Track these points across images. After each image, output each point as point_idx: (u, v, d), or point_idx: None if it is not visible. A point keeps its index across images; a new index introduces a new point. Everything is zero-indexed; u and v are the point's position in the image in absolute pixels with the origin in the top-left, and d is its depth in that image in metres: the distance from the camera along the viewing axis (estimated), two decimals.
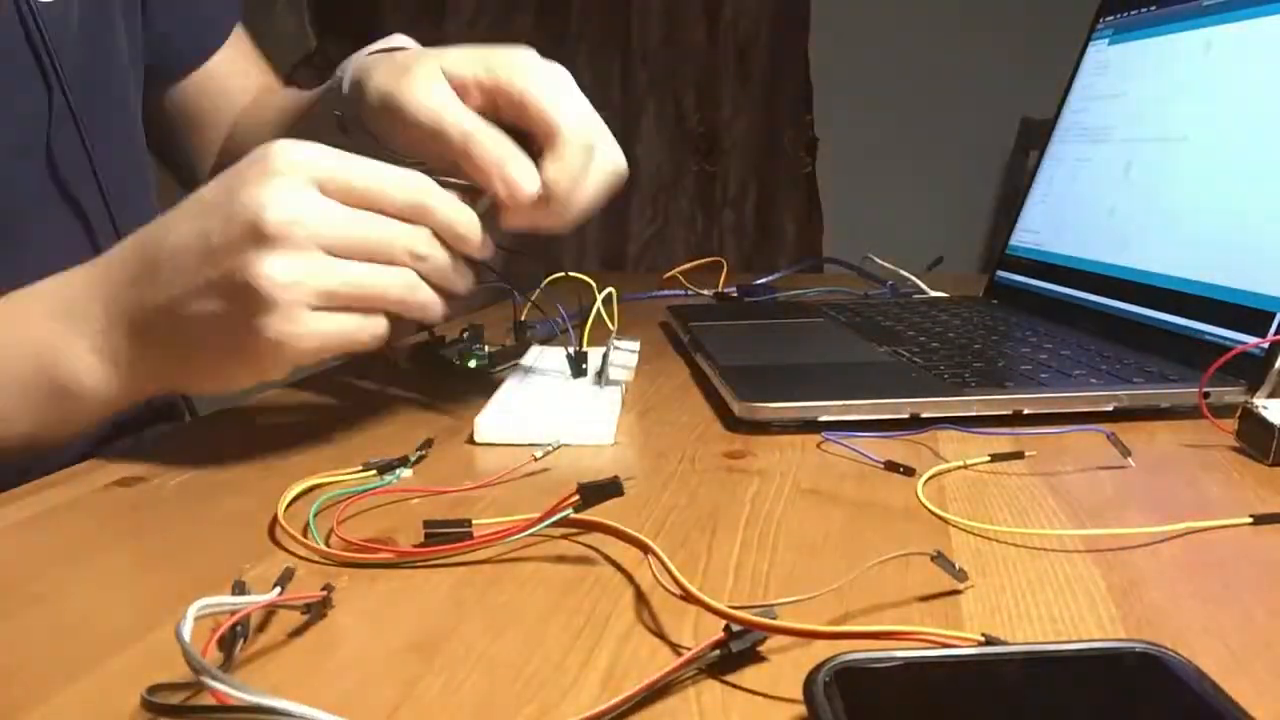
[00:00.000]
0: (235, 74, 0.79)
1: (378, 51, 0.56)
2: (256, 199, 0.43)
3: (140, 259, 0.47)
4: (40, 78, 0.59)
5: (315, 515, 0.40)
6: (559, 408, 0.55)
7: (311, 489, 0.43)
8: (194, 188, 0.48)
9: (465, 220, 0.49)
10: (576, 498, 0.37)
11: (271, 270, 0.43)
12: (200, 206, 0.46)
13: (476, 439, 0.52)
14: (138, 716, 0.27)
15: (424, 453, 0.49)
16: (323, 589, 0.33)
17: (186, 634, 0.26)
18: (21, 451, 0.49)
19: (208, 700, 0.25)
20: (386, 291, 0.47)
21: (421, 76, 0.50)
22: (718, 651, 0.29)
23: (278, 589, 0.32)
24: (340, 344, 0.46)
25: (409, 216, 0.47)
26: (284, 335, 0.44)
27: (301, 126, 0.61)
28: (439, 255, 0.48)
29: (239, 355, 0.46)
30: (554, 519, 0.37)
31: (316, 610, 0.32)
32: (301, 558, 0.38)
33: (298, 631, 0.32)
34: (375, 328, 0.47)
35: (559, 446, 0.47)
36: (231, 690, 0.24)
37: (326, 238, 0.45)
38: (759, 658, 0.30)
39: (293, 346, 0.45)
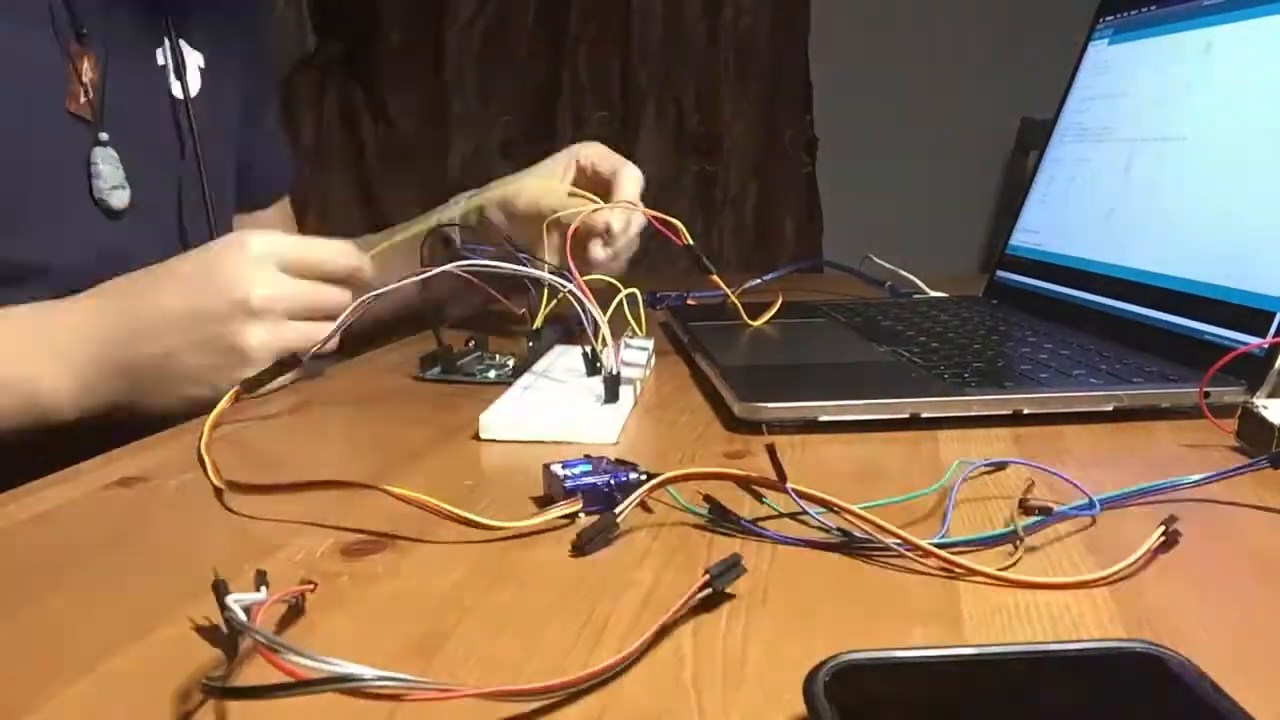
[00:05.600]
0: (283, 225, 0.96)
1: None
2: (244, 280, 0.60)
3: (128, 316, 0.61)
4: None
5: None
6: (565, 405, 0.55)
7: None
8: None
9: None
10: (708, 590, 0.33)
11: (258, 338, 0.60)
12: (182, 280, 0.61)
13: (482, 435, 0.52)
14: (138, 716, 0.27)
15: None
16: (304, 583, 0.33)
17: (240, 613, 0.27)
18: None
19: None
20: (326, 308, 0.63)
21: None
22: (708, 591, 0.30)
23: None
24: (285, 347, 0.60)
25: (343, 278, 0.64)
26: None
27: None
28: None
29: (208, 389, 0.59)
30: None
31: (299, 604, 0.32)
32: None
33: (296, 632, 0.32)
34: (311, 332, 0.61)
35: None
36: (308, 662, 0.24)
37: (291, 309, 0.61)
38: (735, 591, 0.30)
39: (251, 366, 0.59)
